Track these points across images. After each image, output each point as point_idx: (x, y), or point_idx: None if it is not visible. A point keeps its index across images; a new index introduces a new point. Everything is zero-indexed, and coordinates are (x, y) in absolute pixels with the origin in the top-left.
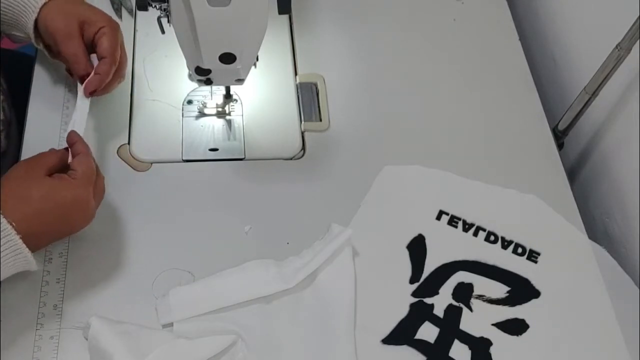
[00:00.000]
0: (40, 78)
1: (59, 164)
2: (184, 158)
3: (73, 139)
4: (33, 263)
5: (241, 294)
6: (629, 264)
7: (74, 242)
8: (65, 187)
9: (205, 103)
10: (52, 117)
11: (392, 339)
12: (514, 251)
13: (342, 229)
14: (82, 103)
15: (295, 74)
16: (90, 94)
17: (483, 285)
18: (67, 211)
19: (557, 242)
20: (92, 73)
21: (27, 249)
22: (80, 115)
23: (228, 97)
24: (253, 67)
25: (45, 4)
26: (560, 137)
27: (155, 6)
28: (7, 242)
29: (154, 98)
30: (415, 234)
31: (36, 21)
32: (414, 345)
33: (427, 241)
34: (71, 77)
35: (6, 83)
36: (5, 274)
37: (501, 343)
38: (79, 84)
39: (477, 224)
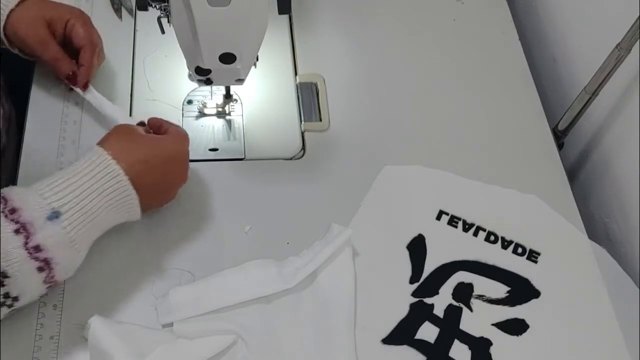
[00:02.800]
0: (40, 78)
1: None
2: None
3: (156, 122)
4: (137, 208)
5: (241, 294)
6: (629, 264)
7: None
8: (167, 140)
9: (205, 103)
10: (52, 117)
11: (392, 339)
12: (514, 251)
13: (342, 229)
14: (94, 97)
15: (295, 74)
16: (85, 86)
17: (483, 285)
18: (167, 162)
19: (557, 242)
20: (78, 66)
21: (134, 190)
22: (109, 107)
23: (228, 97)
24: (253, 67)
25: (12, 10)
26: (560, 137)
27: (155, 6)
28: (116, 183)
29: (154, 98)
30: (415, 234)
31: (5, 28)
32: (414, 345)
33: (427, 241)
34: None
35: (6, 83)
36: (112, 219)
37: (501, 343)
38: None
39: (477, 224)
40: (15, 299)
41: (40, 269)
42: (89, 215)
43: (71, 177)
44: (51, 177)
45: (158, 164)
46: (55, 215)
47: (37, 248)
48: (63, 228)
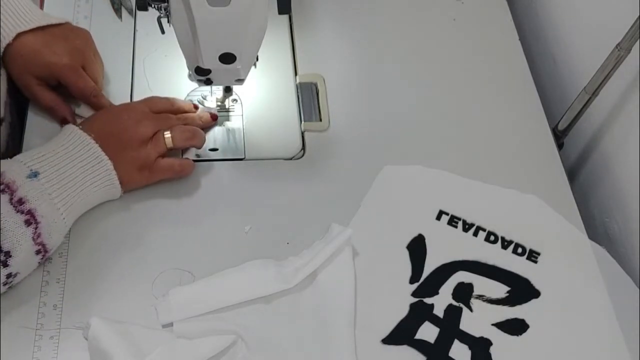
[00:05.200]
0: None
1: None
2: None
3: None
4: (107, 162)
5: (241, 294)
6: (629, 264)
7: (74, 242)
8: (126, 103)
9: (205, 96)
10: (51, 118)
11: (392, 339)
12: (514, 251)
13: (342, 229)
14: None
15: (295, 74)
16: None
17: (483, 285)
18: (122, 111)
19: (557, 242)
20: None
21: (96, 144)
22: None
23: (228, 91)
24: (253, 67)
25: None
26: (560, 137)
27: (155, 6)
28: (85, 146)
29: None
30: (415, 234)
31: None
32: (414, 345)
33: (427, 241)
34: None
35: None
36: (89, 181)
37: (501, 343)
38: None
39: (477, 224)
40: (8, 254)
41: (27, 222)
42: (65, 176)
43: (47, 147)
44: (29, 150)
45: (113, 116)
46: (34, 174)
47: (20, 201)
48: (42, 185)
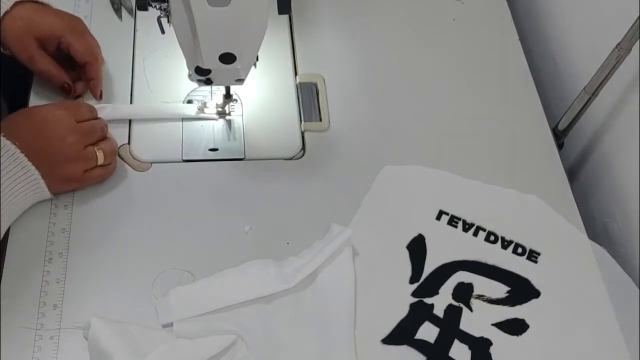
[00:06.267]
0: (40, 78)
1: None
2: (184, 158)
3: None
4: (27, 163)
5: (241, 294)
6: (629, 264)
7: (74, 242)
8: (42, 107)
9: (205, 102)
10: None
11: (392, 339)
12: (514, 251)
13: (342, 229)
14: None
15: (295, 74)
16: (100, 96)
17: (483, 285)
18: (42, 123)
19: (557, 242)
20: (86, 79)
21: (15, 147)
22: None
23: (228, 97)
24: (253, 67)
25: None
26: (560, 137)
27: (155, 6)
28: (10, 156)
29: (154, 98)
30: (415, 234)
31: None
32: (414, 345)
33: (427, 241)
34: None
35: (6, 82)
36: (15, 190)
37: (501, 343)
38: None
39: (477, 224)
40: None
41: None
42: None
43: None
44: None
45: (38, 127)
46: None
47: None
48: None
